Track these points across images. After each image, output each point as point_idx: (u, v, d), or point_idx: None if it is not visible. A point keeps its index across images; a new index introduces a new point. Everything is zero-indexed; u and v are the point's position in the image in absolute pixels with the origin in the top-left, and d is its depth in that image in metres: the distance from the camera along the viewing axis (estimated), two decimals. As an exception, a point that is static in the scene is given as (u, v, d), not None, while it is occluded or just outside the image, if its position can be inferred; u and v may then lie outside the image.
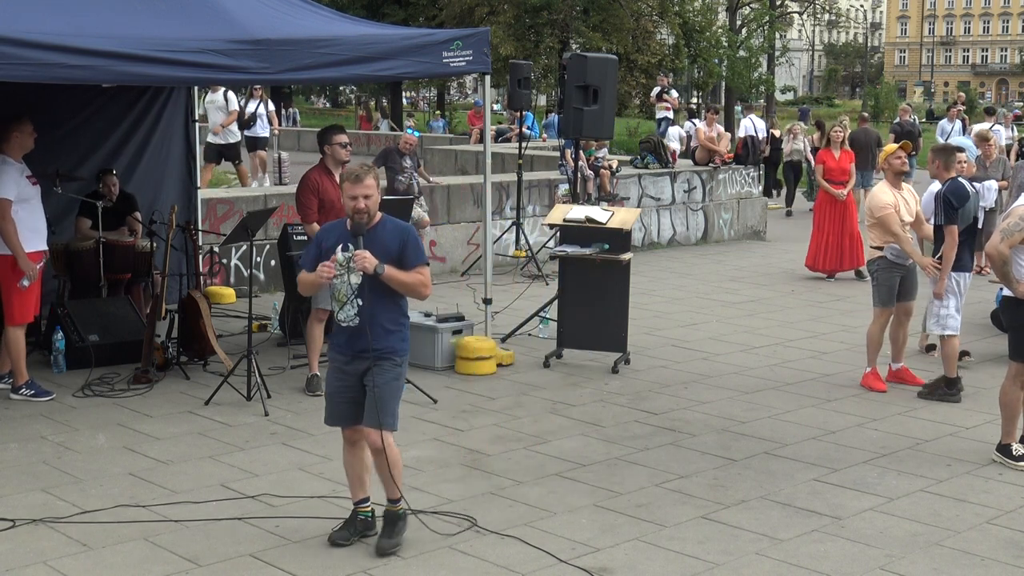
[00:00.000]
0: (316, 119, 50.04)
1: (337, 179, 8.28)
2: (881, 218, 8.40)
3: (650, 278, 13.30)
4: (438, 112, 40.49)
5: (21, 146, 7.80)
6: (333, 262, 5.21)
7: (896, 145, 8.81)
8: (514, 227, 14.03)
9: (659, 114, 24.29)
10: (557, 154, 16.81)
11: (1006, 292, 6.81)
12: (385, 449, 5.25)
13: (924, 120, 30.18)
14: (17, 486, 6.14)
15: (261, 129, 18.41)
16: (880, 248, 8.49)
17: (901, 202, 8.51)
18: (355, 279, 5.23)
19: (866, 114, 26.40)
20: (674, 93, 25.44)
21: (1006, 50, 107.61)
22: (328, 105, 67.99)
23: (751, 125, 22.27)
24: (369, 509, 5.49)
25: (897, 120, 23.57)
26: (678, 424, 7.58)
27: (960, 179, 8.29)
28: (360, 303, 5.23)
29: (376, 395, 5.23)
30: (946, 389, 8.32)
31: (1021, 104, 34.68)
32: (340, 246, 5.27)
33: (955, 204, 8.07)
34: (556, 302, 9.47)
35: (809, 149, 20.58)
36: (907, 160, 8.69)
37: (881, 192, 8.56)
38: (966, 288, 8.36)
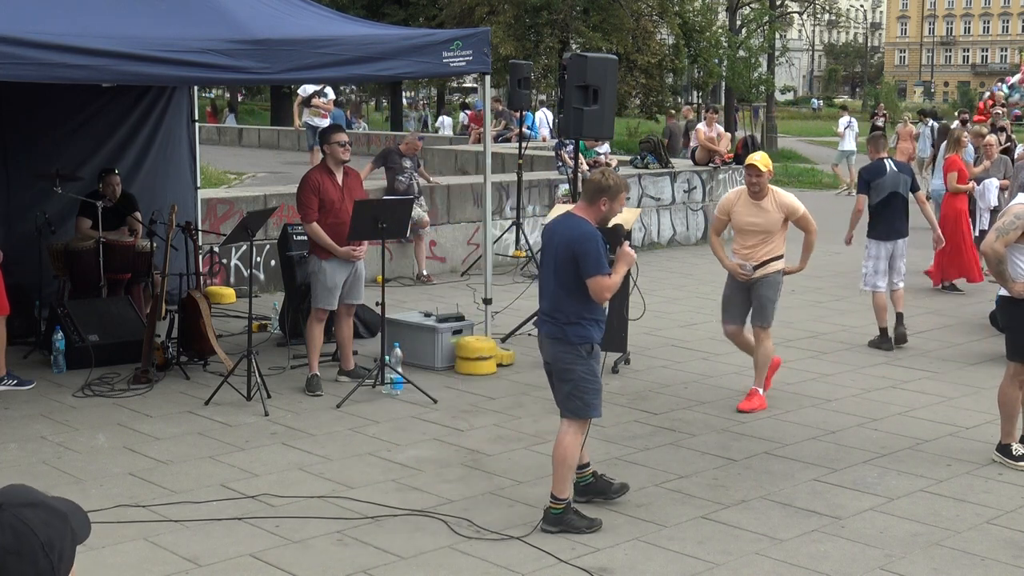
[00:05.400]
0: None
1: (338, 179, 8.29)
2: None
3: (650, 278, 13.29)
4: (381, 108, 38.77)
5: None
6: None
7: (758, 156, 8.24)
8: (514, 227, 14.03)
9: (312, 120, 18.40)
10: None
11: (1002, 292, 6.81)
12: None
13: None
14: (17, 486, 6.14)
15: None
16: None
17: (746, 210, 8.08)
18: None
19: (674, 111, 28.83)
20: (330, 94, 18.56)
21: (1006, 50, 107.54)
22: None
23: (544, 118, 23.12)
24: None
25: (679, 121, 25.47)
26: (678, 424, 7.58)
27: (886, 160, 10.01)
28: None
29: None
30: (879, 339, 9.89)
31: (1021, 104, 34.59)
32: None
33: (865, 177, 9.96)
34: (556, 302, 9.46)
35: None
36: (755, 180, 8.12)
37: (725, 196, 8.40)
38: (891, 255, 9.94)
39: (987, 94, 38.53)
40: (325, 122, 17.85)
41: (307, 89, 18.01)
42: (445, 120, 35.83)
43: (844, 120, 25.81)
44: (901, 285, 10.15)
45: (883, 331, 9.92)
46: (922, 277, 13.60)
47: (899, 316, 10.12)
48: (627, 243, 5.88)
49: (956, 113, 27.84)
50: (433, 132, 34.16)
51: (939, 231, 10.55)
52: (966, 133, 13.67)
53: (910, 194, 9.99)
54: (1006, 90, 35.16)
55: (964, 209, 12.68)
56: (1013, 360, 6.77)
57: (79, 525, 1.78)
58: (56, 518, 1.71)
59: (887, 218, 9.92)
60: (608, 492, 5.98)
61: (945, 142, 13.26)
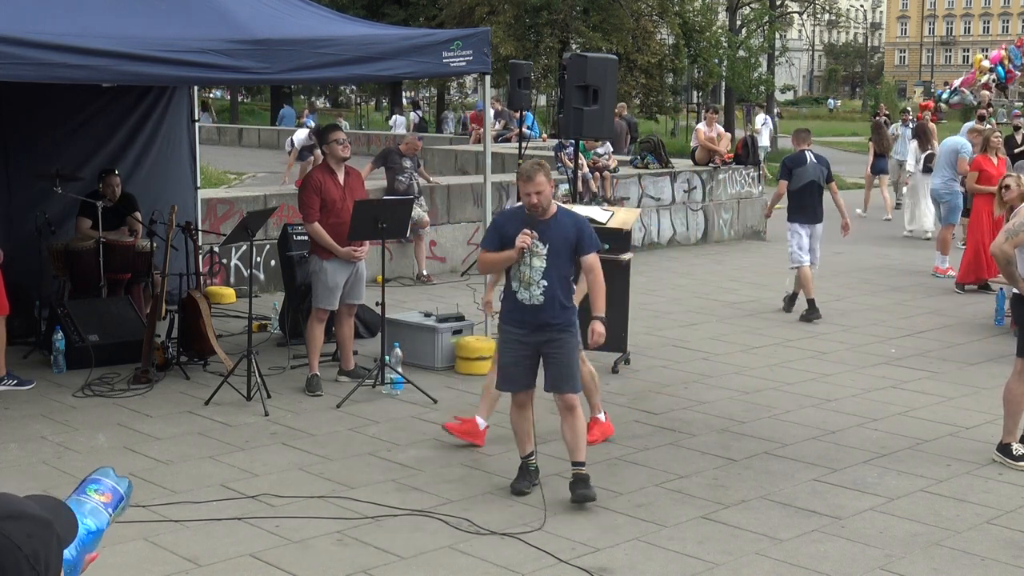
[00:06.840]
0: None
1: (340, 178, 8.28)
2: None
3: (650, 278, 13.29)
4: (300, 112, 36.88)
5: None
6: (531, 235, 5.77)
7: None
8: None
9: (296, 136, 17.88)
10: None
11: (1014, 290, 6.82)
12: (576, 408, 6.08)
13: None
14: (17, 486, 6.13)
15: None
16: None
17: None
18: (538, 263, 5.86)
19: (620, 107, 29.41)
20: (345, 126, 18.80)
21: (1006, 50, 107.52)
22: (328, 105, 68.14)
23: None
24: (535, 460, 6.25)
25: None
26: (678, 424, 7.58)
27: (806, 152, 11.08)
28: (545, 284, 5.89)
29: (566, 363, 6.04)
30: (807, 311, 10.94)
31: (1021, 105, 34.60)
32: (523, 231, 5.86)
33: (788, 165, 11.06)
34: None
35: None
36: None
37: None
38: (809, 236, 11.04)
39: (929, 96, 38.87)
40: (304, 132, 17.94)
41: (300, 138, 17.58)
42: (398, 119, 35.73)
43: (760, 118, 28.22)
44: (816, 267, 11.27)
45: (811, 302, 10.96)
46: (929, 277, 13.61)
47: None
48: (524, 231, 5.81)
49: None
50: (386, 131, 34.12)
51: (847, 219, 11.30)
52: (997, 133, 13.36)
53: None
54: (947, 92, 35.55)
55: (985, 209, 12.22)
56: (1022, 356, 6.75)
57: (64, 529, 1.76)
58: (39, 527, 1.69)
59: (807, 204, 11.04)
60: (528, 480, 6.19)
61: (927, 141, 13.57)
